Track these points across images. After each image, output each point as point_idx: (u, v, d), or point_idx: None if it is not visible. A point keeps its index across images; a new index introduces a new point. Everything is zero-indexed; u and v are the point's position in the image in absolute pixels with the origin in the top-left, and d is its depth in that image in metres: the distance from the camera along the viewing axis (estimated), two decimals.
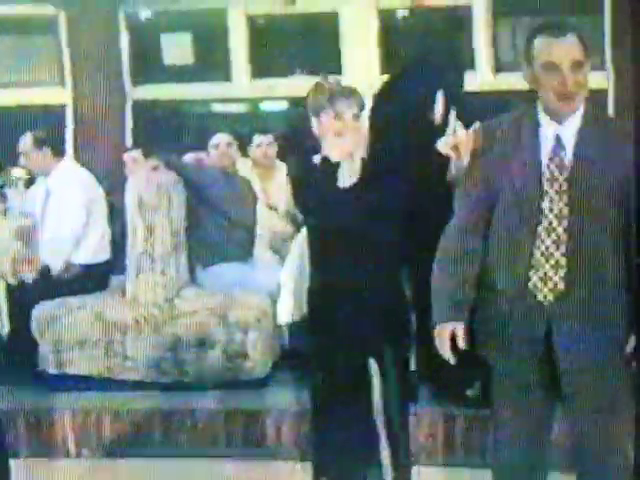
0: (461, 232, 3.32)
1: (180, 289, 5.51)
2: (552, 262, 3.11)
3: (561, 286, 3.11)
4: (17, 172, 6.39)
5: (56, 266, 5.71)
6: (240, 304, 5.38)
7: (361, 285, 3.83)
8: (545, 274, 3.12)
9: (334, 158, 3.85)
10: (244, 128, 7.22)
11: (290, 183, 4.07)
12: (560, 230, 3.10)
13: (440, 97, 4.93)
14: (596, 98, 3.25)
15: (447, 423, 4.89)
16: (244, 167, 6.18)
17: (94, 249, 5.89)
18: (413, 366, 5.15)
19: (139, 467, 4.92)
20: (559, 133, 3.12)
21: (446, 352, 3.32)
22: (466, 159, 3.26)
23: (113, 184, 6.17)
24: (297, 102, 7.58)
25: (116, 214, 6.02)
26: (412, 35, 6.08)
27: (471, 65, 6.71)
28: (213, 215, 5.72)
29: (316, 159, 3.90)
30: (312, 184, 3.89)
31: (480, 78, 6.68)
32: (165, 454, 5.03)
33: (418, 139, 4.93)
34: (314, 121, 3.90)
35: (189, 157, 5.97)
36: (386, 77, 5.33)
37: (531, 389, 3.23)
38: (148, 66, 7.57)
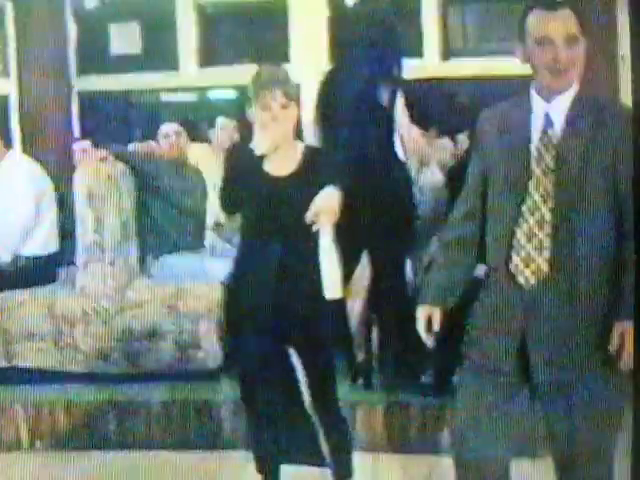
0: (455, 220, 3.30)
1: (130, 280, 5.47)
2: (535, 243, 3.03)
3: (544, 268, 3.02)
4: None
5: (4, 258, 5.66)
6: (191, 294, 5.36)
7: (284, 273, 3.83)
8: (528, 255, 3.05)
9: (258, 151, 3.83)
10: (193, 117, 7.19)
11: (223, 171, 4.02)
12: (544, 209, 3.02)
13: (384, 84, 4.98)
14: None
15: (402, 411, 4.90)
16: (200, 152, 6.13)
17: (43, 241, 5.83)
18: (361, 356, 5.22)
19: (93, 459, 4.90)
20: (549, 111, 3.08)
21: (422, 334, 3.27)
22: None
23: (61, 175, 6.11)
24: (246, 90, 7.57)
25: (65, 205, 5.96)
26: (361, 23, 6.04)
27: (420, 52, 6.74)
28: (163, 205, 5.69)
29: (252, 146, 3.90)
30: (243, 172, 3.86)
31: (429, 65, 6.70)
32: (119, 445, 5.02)
33: (365, 125, 4.98)
34: (249, 111, 3.89)
35: (138, 147, 5.93)
36: (330, 65, 5.35)
37: (503, 377, 3.13)
38: (95, 56, 7.49)
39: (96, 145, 6.02)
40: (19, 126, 7.21)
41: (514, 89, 3.22)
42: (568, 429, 3.10)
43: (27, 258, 5.75)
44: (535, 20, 3.05)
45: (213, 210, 5.86)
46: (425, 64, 6.57)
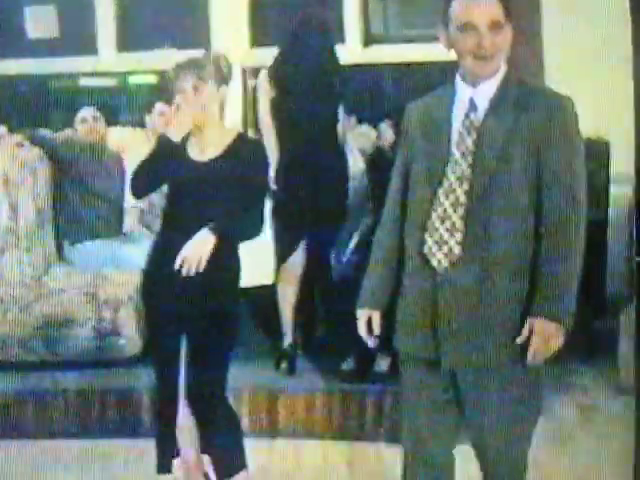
0: (384, 219, 3.29)
1: (48, 267, 5.40)
2: (448, 225, 3.02)
3: (456, 250, 3.01)
4: None
5: None
6: (110, 281, 5.32)
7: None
8: (440, 237, 3.03)
9: (170, 135, 3.80)
10: (113, 102, 7.11)
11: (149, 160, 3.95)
12: (459, 191, 3.01)
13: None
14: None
15: (324, 397, 4.90)
16: (122, 137, 6.06)
17: None
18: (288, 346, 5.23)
19: (11, 448, 4.81)
20: (473, 96, 3.08)
21: (364, 336, 3.27)
22: None
23: None
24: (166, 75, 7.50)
25: None
26: (282, 8, 6.03)
27: (342, 38, 6.74)
28: (80, 191, 5.62)
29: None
30: (164, 156, 3.82)
31: (350, 51, 6.70)
32: (38, 434, 4.95)
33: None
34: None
35: (58, 134, 5.85)
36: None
37: (427, 364, 3.13)
38: (11, 40, 7.35)
39: (12, 130, 5.92)
40: None
41: (437, 76, 3.23)
42: (480, 418, 3.12)
43: None
44: (459, 6, 3.05)
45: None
46: (346, 50, 6.57)
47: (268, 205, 4.84)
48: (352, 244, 5.18)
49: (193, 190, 3.77)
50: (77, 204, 5.58)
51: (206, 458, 3.90)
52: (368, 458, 4.40)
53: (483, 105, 3.08)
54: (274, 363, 5.14)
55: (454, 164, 3.05)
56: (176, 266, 3.68)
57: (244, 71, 6.52)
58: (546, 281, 2.96)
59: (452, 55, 3.13)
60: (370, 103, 6.51)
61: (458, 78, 3.13)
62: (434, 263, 3.04)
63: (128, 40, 7.23)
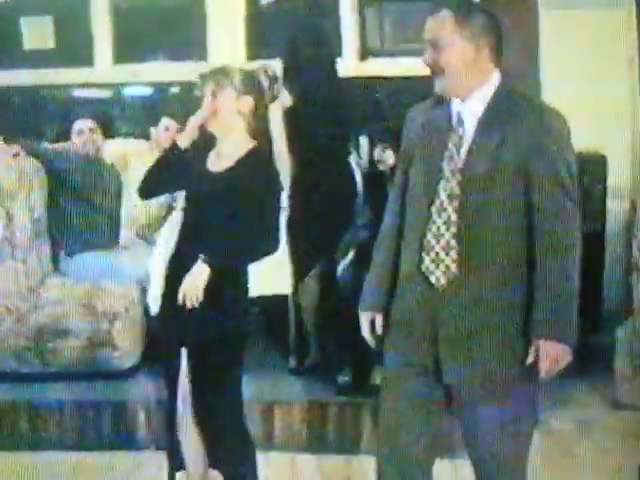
0: (384, 228, 3.32)
1: (44, 278, 5.38)
2: (443, 243, 3.04)
3: (453, 269, 3.03)
4: None
5: None
6: (106, 293, 5.29)
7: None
8: (437, 255, 3.05)
9: (179, 142, 3.79)
10: (107, 113, 7.10)
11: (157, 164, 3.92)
12: (450, 210, 3.03)
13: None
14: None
15: (319, 410, 4.89)
16: (118, 148, 6.05)
17: None
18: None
19: (6, 460, 4.79)
20: (460, 110, 3.09)
21: (367, 337, 3.31)
22: None
23: None
24: (160, 87, 7.52)
25: None
26: (278, 21, 6.06)
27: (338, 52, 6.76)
28: (76, 203, 5.61)
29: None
30: (179, 163, 3.78)
31: (347, 64, 6.72)
32: (31, 446, 4.91)
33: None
34: None
35: (53, 147, 5.83)
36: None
37: (420, 377, 3.15)
38: (6, 50, 7.36)
39: (8, 141, 5.90)
40: None
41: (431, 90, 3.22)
42: (478, 432, 3.13)
43: None
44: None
45: (128, 206, 5.79)
46: (343, 63, 6.59)
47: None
48: (349, 258, 5.17)
49: (207, 201, 3.72)
50: (73, 215, 5.56)
51: (215, 474, 3.87)
52: (365, 471, 4.39)
53: (471, 121, 3.09)
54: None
55: (445, 181, 3.06)
56: (179, 302, 3.65)
57: None
58: (550, 302, 2.98)
59: None
60: (365, 116, 6.51)
61: None
62: (433, 280, 3.07)
63: (124, 52, 7.24)
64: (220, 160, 3.77)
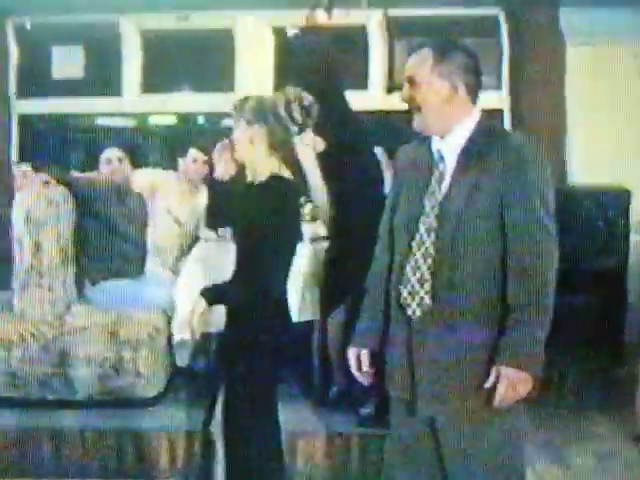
0: (375, 267, 3.36)
1: (70, 305, 5.41)
2: (418, 275, 3.10)
3: (427, 300, 3.09)
4: None
5: None
6: (131, 321, 5.31)
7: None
8: (413, 288, 3.11)
9: (216, 175, 3.84)
10: (133, 142, 7.16)
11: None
12: (428, 243, 3.09)
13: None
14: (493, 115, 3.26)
15: (341, 442, 4.89)
16: (146, 178, 6.09)
17: None
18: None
19: None
20: (440, 147, 3.15)
21: (355, 373, 3.36)
22: None
23: None
24: (186, 117, 7.58)
25: (2, 229, 5.88)
26: (306, 53, 6.10)
27: (364, 84, 6.81)
28: (103, 231, 5.63)
29: None
30: (217, 195, 3.84)
31: (373, 97, 6.77)
32: (54, 474, 4.92)
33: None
34: None
35: (81, 176, 5.88)
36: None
37: (408, 408, 3.19)
38: (37, 79, 7.44)
39: (37, 169, 5.95)
40: None
41: None
42: (456, 464, 3.14)
43: None
44: None
45: (156, 234, 5.83)
46: (369, 96, 6.65)
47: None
48: None
49: (236, 229, 3.78)
50: (100, 244, 5.59)
51: None
52: None
53: (451, 157, 3.14)
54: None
55: (425, 216, 3.11)
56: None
57: None
58: (513, 328, 3.00)
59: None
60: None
61: None
62: (409, 312, 3.12)
63: (152, 82, 7.30)
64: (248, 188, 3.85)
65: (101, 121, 7.87)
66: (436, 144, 3.16)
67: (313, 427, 4.96)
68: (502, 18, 6.77)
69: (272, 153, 3.81)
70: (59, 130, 7.68)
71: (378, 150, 5.19)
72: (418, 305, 3.10)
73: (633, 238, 5.48)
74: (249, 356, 3.73)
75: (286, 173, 3.82)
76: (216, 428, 3.88)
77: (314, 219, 5.64)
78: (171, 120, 7.93)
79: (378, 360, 3.30)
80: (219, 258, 4.85)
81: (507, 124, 6.83)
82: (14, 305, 5.39)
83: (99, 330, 5.26)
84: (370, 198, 4.97)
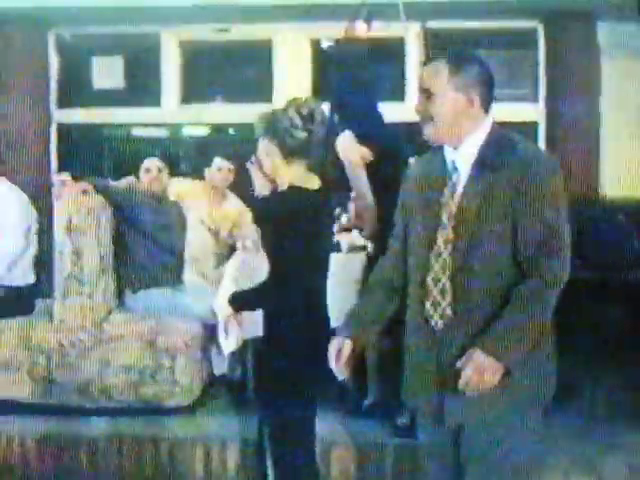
0: (382, 263, 3.38)
1: (109, 313, 5.45)
2: (440, 287, 3.10)
3: (448, 312, 3.10)
4: None
5: None
6: (169, 329, 5.35)
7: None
8: (435, 299, 3.12)
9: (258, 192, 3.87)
10: (168, 152, 7.21)
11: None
12: (445, 254, 3.10)
13: None
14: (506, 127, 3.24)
15: (377, 452, 4.90)
16: (183, 188, 6.14)
17: (23, 272, 5.79)
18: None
19: None
20: (454, 159, 3.15)
21: (331, 364, 3.33)
22: None
23: (38, 206, 6.09)
24: (218, 128, 7.62)
25: (42, 237, 5.94)
26: (344, 65, 6.12)
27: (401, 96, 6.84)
28: (142, 240, 5.68)
29: None
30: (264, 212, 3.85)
31: (410, 109, 6.77)
32: None
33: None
34: None
35: (120, 182, 5.93)
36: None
37: (431, 419, 3.20)
38: (77, 89, 7.51)
39: (76, 178, 6.01)
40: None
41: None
42: (477, 472, 3.14)
43: (6, 288, 5.70)
44: None
45: (197, 243, 5.87)
46: (406, 108, 6.65)
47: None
48: None
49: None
50: (138, 252, 5.64)
51: None
52: None
53: (465, 168, 3.13)
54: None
55: (442, 228, 3.12)
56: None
57: None
58: (496, 320, 3.01)
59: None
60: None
61: None
62: (432, 324, 3.13)
63: (190, 93, 7.36)
64: None
65: (136, 131, 7.94)
66: (450, 155, 3.16)
67: (348, 437, 4.97)
68: (540, 31, 6.77)
69: (291, 163, 3.82)
70: (97, 140, 7.75)
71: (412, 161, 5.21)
72: (440, 317, 3.11)
73: None
74: (287, 363, 3.74)
75: (312, 182, 3.82)
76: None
77: (349, 230, 5.65)
78: (204, 131, 7.99)
79: (358, 355, 3.33)
80: (256, 268, 4.87)
81: (541, 136, 6.85)
82: (54, 313, 5.44)
83: (137, 338, 5.32)
84: None
